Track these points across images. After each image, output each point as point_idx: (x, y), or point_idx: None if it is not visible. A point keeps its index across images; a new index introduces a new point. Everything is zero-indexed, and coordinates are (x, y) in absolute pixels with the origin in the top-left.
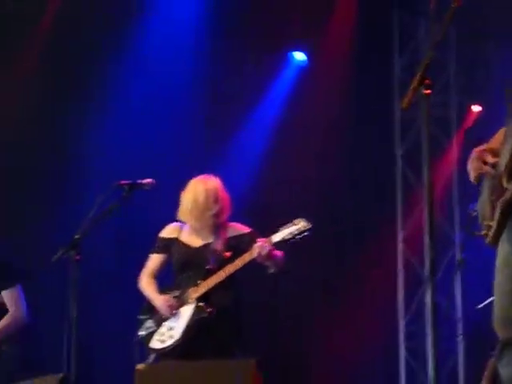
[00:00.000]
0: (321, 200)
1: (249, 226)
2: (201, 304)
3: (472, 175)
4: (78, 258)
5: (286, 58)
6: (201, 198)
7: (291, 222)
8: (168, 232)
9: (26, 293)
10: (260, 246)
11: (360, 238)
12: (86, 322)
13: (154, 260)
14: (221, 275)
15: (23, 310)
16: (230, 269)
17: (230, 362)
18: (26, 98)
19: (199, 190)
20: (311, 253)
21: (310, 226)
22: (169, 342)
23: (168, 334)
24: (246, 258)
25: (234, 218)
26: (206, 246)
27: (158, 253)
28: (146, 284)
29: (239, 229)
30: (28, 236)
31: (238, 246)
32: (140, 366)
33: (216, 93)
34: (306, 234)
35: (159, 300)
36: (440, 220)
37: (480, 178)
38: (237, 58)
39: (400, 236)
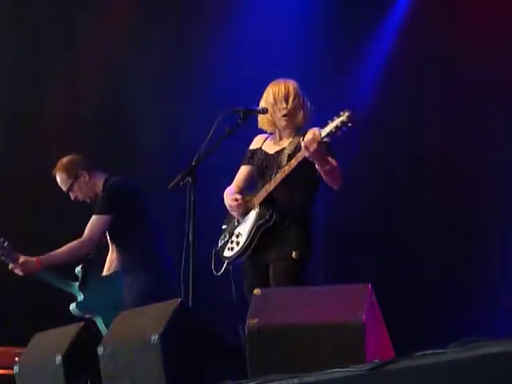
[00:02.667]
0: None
1: None
2: (261, 209)
3: None
4: (194, 184)
5: None
6: (269, 99)
7: (337, 114)
8: (254, 143)
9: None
10: (307, 141)
11: None
12: (201, 248)
13: (241, 171)
14: (277, 179)
15: (93, 239)
16: (285, 170)
17: (344, 287)
18: None
19: (268, 92)
20: None
21: (349, 112)
22: (236, 250)
23: (236, 240)
24: (299, 156)
25: None
26: (279, 151)
27: (244, 164)
28: (227, 191)
29: (314, 134)
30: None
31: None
32: (256, 291)
33: None
34: (349, 124)
35: (227, 197)
36: None
37: None
38: None
39: None
